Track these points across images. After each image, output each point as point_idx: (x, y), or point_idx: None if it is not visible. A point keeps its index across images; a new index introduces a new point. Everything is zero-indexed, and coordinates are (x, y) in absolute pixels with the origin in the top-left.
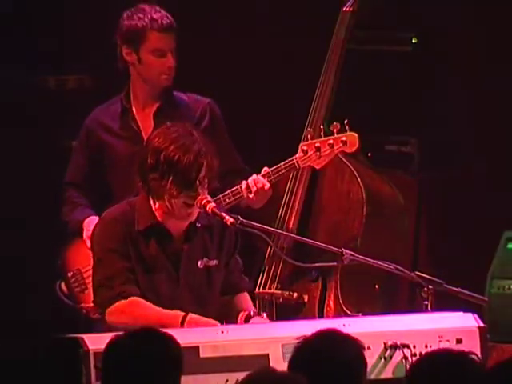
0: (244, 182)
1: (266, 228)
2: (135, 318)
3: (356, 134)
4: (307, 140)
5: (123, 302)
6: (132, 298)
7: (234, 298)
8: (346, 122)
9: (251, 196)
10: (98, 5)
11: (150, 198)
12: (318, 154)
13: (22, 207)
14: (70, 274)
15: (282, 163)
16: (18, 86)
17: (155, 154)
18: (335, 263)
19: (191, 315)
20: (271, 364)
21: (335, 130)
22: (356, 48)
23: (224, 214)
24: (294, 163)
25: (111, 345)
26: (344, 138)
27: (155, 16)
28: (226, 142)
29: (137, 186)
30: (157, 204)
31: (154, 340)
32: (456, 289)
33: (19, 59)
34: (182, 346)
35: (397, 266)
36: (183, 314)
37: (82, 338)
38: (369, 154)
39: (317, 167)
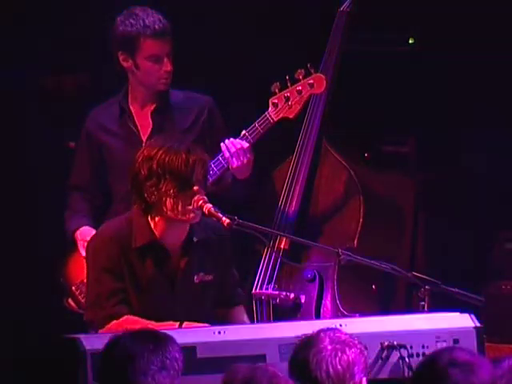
0: (222, 145)
1: (263, 228)
2: None
3: (322, 75)
4: (275, 94)
5: (116, 321)
6: (124, 317)
7: (229, 312)
8: (308, 65)
9: (233, 161)
10: (96, 4)
11: (148, 215)
12: (288, 103)
13: (23, 207)
14: (74, 288)
15: (256, 121)
16: (15, 86)
17: (147, 163)
18: (332, 263)
19: (186, 322)
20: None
21: (301, 77)
22: (353, 48)
23: (221, 215)
24: (267, 118)
25: (110, 345)
26: (311, 81)
27: (148, 21)
28: (220, 140)
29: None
30: (156, 219)
31: (153, 341)
32: (453, 289)
33: (17, 59)
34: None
35: (394, 266)
36: (177, 322)
37: (80, 339)
38: (366, 155)
39: (290, 117)
